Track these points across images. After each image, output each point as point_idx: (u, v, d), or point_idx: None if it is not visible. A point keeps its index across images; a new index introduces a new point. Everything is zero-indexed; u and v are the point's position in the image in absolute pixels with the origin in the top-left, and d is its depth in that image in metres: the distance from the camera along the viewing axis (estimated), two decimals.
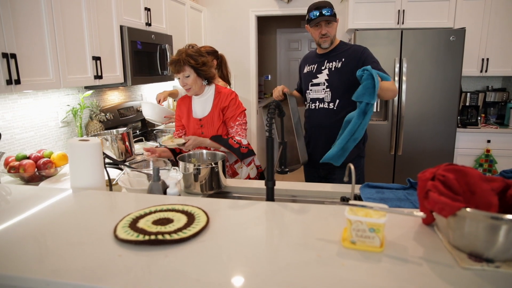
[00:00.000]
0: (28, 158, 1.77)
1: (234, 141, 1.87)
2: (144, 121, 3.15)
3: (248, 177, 2.01)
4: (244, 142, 1.90)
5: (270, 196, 1.16)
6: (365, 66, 1.61)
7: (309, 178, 2.19)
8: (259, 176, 2.14)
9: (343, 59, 1.90)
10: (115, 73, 2.38)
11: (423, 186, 0.94)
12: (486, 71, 3.44)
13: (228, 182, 1.65)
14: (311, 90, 1.99)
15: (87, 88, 2.47)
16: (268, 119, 1.13)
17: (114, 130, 2.20)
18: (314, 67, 1.99)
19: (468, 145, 3.39)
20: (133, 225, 0.94)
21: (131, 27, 2.48)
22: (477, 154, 3.40)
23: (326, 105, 1.95)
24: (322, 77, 1.94)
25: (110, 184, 1.40)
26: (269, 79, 5.98)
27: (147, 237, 0.86)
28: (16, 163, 1.71)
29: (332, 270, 0.77)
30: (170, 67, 1.81)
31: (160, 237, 0.86)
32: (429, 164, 3.52)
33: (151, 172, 1.51)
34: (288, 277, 0.74)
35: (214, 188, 1.57)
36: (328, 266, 0.78)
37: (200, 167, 1.53)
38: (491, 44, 3.40)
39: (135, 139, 2.43)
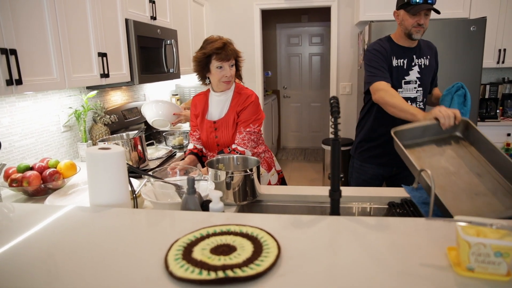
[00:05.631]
0: (32, 169, 1.56)
1: (237, 153, 1.67)
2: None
3: (269, 184, 1.82)
4: (248, 153, 1.70)
5: (335, 209, 0.98)
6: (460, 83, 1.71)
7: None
8: (281, 182, 1.95)
9: (428, 56, 1.79)
10: (121, 71, 2.17)
11: None
12: (503, 62, 3.32)
13: (262, 190, 1.47)
14: (403, 88, 1.79)
15: (90, 88, 2.25)
16: (333, 119, 0.95)
17: (124, 134, 1.99)
18: (404, 62, 1.77)
19: None
20: (187, 255, 0.75)
21: (137, 21, 2.26)
22: None
23: (419, 106, 1.79)
24: (413, 74, 1.76)
25: (135, 199, 1.20)
26: (270, 75, 5.78)
27: (213, 274, 0.67)
28: (19, 175, 1.49)
29: None
30: (215, 52, 1.62)
31: (230, 273, 0.68)
32: None
33: (179, 182, 1.32)
34: None
35: (249, 197, 1.39)
36: None
37: (234, 175, 1.34)
38: (508, 34, 3.27)
39: (146, 143, 2.22)
